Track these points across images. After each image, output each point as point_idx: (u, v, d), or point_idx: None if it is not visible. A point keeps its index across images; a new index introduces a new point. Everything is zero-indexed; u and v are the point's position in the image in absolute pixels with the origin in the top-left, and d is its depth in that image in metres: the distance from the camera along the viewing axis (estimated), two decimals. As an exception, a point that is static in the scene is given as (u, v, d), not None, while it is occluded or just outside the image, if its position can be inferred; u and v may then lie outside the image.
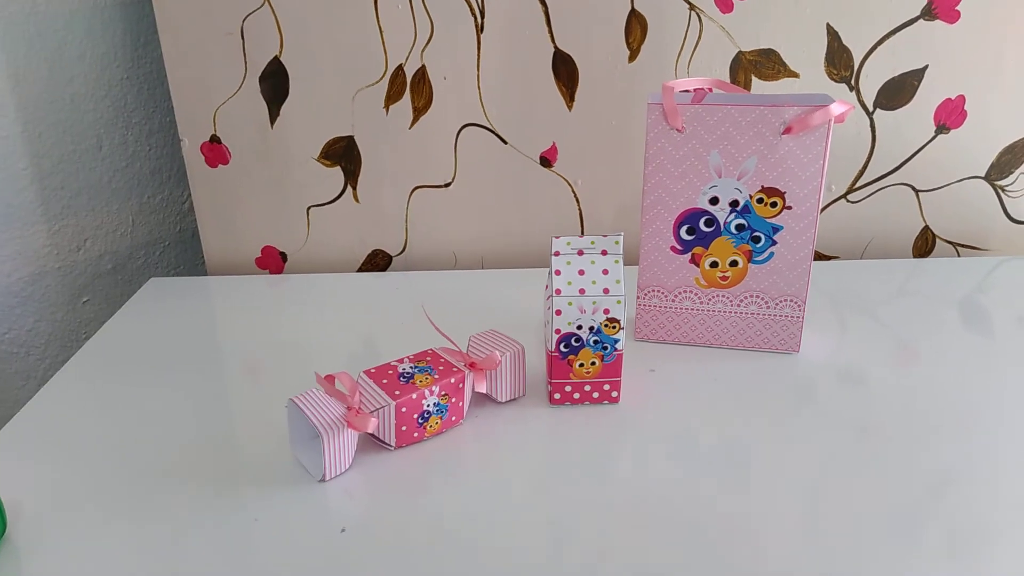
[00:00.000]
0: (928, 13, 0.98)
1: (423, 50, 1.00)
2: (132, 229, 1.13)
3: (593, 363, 0.72)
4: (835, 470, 0.65)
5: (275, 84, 1.02)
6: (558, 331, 0.71)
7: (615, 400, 0.74)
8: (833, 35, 0.99)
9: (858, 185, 1.07)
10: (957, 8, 0.97)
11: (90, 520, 0.62)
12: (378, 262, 1.12)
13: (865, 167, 1.06)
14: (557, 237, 0.72)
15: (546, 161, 1.06)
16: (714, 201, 0.79)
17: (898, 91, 1.02)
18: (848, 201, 1.08)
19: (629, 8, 0.98)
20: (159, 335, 0.92)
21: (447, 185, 1.07)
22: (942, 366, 0.81)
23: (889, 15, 0.98)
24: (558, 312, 0.70)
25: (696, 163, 0.78)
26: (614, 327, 0.71)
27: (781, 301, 0.81)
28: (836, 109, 0.74)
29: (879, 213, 1.08)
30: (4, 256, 1.00)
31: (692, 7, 0.98)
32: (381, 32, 0.99)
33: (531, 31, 0.99)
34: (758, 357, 0.83)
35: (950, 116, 1.03)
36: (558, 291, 0.70)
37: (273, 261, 1.12)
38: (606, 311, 0.70)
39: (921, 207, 1.08)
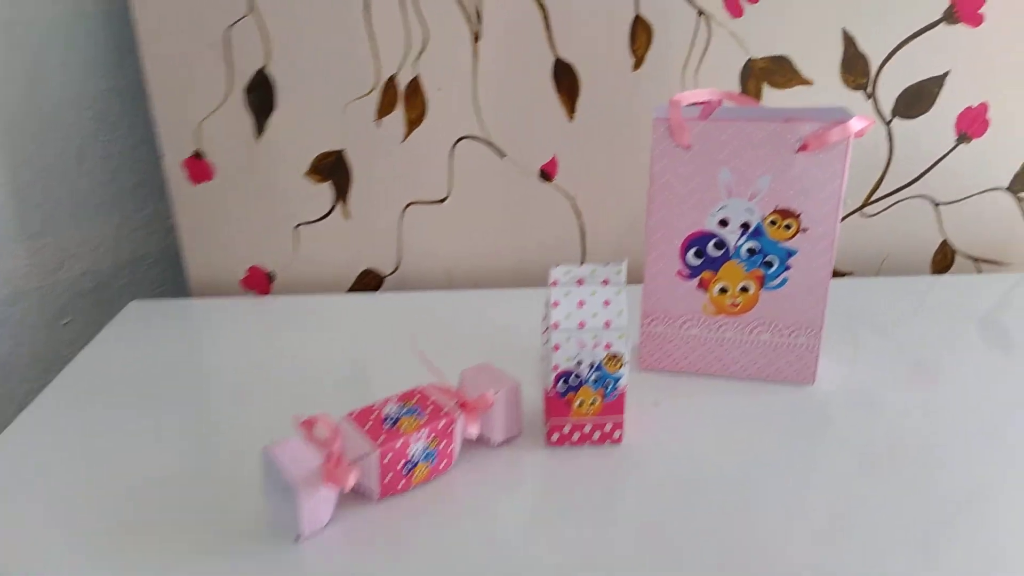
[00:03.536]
0: (950, 16, 0.94)
1: (416, 59, 0.96)
2: (115, 246, 1.09)
3: (594, 402, 0.68)
4: (854, 512, 0.61)
5: (261, 96, 0.98)
6: (556, 367, 0.66)
7: (618, 440, 0.70)
8: (849, 40, 0.95)
9: (874, 198, 1.03)
10: (980, 11, 0.93)
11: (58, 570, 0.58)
12: (369, 282, 1.08)
13: (882, 179, 1.02)
14: (555, 266, 0.68)
15: (546, 175, 1.02)
16: (724, 223, 0.74)
17: (917, 99, 0.98)
18: (863, 215, 1.04)
19: (634, 14, 0.94)
20: (140, 361, 0.88)
21: (442, 201, 1.04)
22: (962, 387, 0.78)
23: (908, 19, 0.94)
24: (556, 347, 0.66)
25: (705, 182, 0.73)
26: (616, 363, 0.66)
27: (795, 330, 0.76)
28: (855, 125, 0.69)
29: (896, 227, 1.04)
30: (-21, 278, 0.97)
31: (700, 12, 0.93)
32: (373, 40, 0.95)
33: (530, 38, 0.95)
34: (770, 388, 0.78)
35: (971, 125, 0.99)
36: (556, 324, 0.66)
37: (259, 282, 1.08)
38: (607, 346, 0.66)
39: (940, 221, 1.04)
